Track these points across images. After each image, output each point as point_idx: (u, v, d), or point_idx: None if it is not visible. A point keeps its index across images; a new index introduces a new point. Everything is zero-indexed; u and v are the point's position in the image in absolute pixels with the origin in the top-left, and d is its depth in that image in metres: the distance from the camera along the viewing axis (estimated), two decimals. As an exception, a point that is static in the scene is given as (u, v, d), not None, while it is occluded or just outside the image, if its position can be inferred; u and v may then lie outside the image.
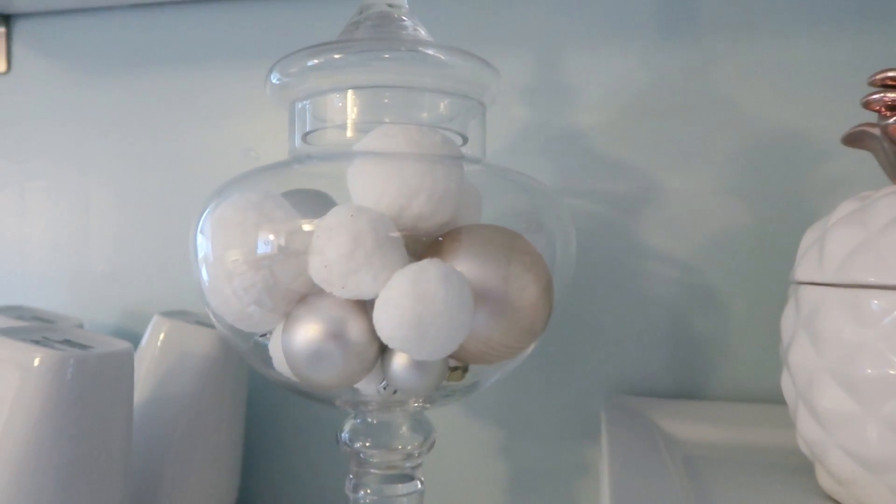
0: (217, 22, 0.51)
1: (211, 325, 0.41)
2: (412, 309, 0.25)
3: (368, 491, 0.32)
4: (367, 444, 0.32)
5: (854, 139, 0.30)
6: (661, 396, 0.42)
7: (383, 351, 0.28)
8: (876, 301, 0.26)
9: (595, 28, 0.44)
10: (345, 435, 0.32)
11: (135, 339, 0.39)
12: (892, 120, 0.28)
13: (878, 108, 0.30)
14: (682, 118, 0.43)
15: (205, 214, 0.29)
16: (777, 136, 0.42)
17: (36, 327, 0.34)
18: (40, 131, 0.54)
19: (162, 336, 0.41)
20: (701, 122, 0.43)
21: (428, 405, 0.32)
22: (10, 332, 0.31)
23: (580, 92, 0.44)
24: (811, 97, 0.42)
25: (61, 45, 0.53)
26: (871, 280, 0.26)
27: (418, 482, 0.32)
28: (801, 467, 0.31)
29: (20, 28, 0.54)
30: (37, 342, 0.31)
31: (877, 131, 0.29)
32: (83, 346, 0.32)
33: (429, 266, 0.26)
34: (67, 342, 0.32)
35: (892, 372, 0.25)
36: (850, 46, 0.41)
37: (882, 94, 0.30)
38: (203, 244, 0.29)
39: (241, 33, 0.50)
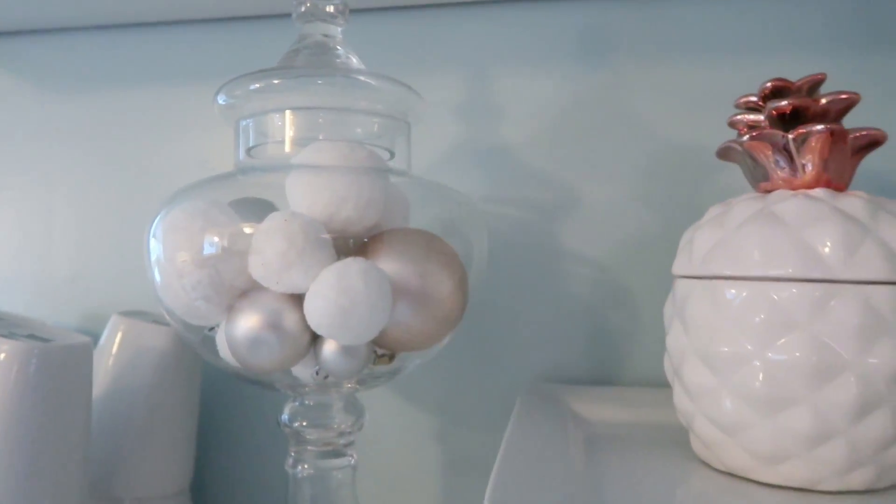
0: (175, 43, 0.54)
1: (165, 323, 0.45)
2: (336, 300, 0.29)
3: (306, 466, 0.36)
4: (305, 424, 0.36)
5: (724, 153, 0.35)
6: (577, 383, 0.47)
7: (315, 339, 0.32)
8: (730, 290, 0.30)
9: (521, 53, 0.49)
10: (284, 416, 0.36)
11: (94, 339, 0.42)
12: (745, 137, 0.33)
13: (740, 127, 0.35)
14: (597, 135, 0.48)
15: (157, 220, 0.33)
16: (679, 150, 0.47)
17: (3, 323, 0.37)
18: (7, 143, 0.57)
19: (119, 334, 0.44)
20: (613, 138, 0.48)
21: (359, 387, 0.36)
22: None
23: (507, 110, 0.49)
24: (708, 116, 0.47)
25: (28, 63, 0.56)
26: (726, 272, 0.31)
27: (351, 458, 0.36)
28: (682, 439, 0.35)
29: (-15, 46, 0.57)
30: (4, 336, 0.34)
31: (739, 147, 0.34)
32: (46, 340, 0.35)
33: (351, 263, 0.30)
34: (32, 336, 0.35)
35: (740, 350, 0.30)
36: (740, 72, 0.47)
37: (743, 115, 0.35)
38: (155, 247, 0.33)
39: (197, 54, 0.54)
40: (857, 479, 0.29)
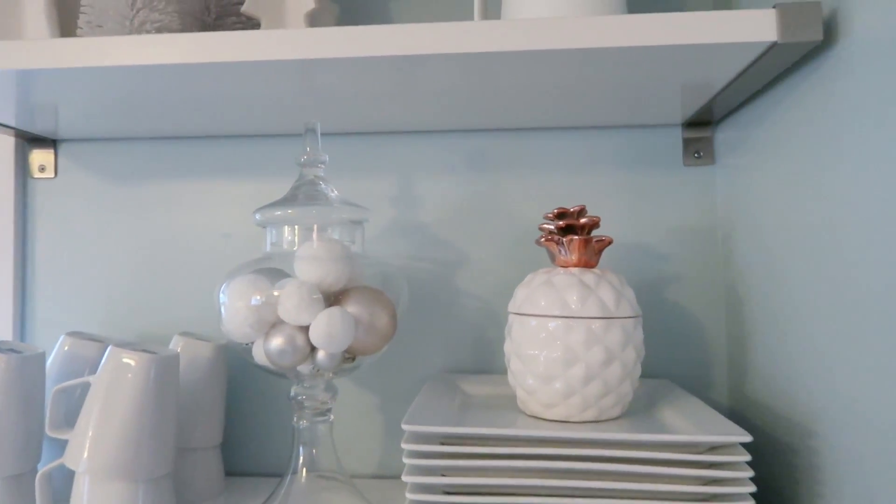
0: (205, 150, 0.80)
1: (207, 340, 0.71)
2: (324, 329, 0.57)
3: (304, 421, 0.63)
4: (304, 397, 0.63)
5: (538, 244, 0.64)
6: (466, 372, 0.75)
7: (313, 350, 0.59)
8: (530, 321, 0.59)
9: (432, 165, 0.77)
10: (292, 393, 0.63)
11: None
12: (542, 238, 0.62)
13: (545, 230, 0.64)
14: (481, 218, 0.77)
15: (224, 284, 0.59)
16: (532, 229, 0.76)
17: (130, 345, 0.63)
18: (78, 219, 0.81)
19: (180, 347, 0.70)
20: (492, 221, 0.77)
21: (334, 376, 0.63)
22: (122, 345, 0.60)
23: (424, 201, 0.77)
24: (550, 207, 0.76)
25: (92, 161, 0.81)
26: (529, 311, 0.59)
27: (330, 417, 0.64)
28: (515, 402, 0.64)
29: (63, 149, 0.81)
30: (137, 350, 0.60)
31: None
32: (154, 353, 0.61)
33: (333, 310, 0.57)
34: (145, 351, 0.61)
35: (533, 352, 0.58)
36: (567, 181, 0.76)
37: (546, 224, 0.64)
38: (223, 298, 0.59)
39: (223, 158, 0.80)
40: (589, 415, 0.58)
